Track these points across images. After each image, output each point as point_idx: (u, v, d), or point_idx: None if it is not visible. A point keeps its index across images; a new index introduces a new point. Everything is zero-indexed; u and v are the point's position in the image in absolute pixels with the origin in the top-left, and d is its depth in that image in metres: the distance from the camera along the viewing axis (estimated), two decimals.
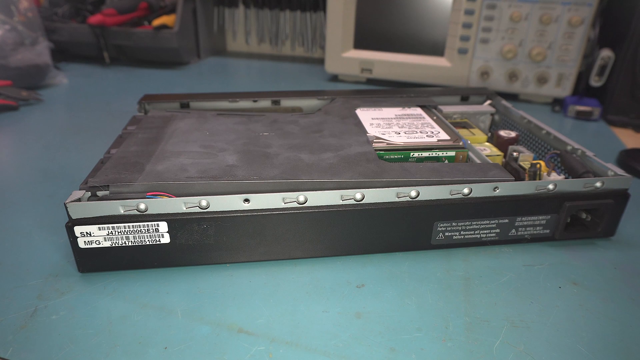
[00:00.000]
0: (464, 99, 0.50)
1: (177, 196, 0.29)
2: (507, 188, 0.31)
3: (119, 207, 0.28)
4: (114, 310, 0.27)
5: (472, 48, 0.67)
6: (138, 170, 0.31)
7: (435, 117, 0.42)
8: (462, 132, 0.41)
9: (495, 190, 0.31)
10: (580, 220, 0.35)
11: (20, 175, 0.43)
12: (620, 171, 0.33)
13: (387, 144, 0.36)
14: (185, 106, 0.46)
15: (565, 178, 0.35)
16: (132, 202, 0.28)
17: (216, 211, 0.29)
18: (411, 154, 0.36)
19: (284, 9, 0.91)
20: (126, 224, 0.28)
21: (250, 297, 0.28)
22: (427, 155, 0.36)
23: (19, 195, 0.39)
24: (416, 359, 0.24)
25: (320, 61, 0.89)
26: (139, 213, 0.28)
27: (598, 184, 0.32)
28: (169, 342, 0.25)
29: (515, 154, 0.37)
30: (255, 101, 0.46)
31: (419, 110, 0.44)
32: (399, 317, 0.27)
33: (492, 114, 0.48)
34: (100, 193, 0.30)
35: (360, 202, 0.30)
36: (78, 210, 0.28)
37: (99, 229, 0.28)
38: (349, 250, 0.32)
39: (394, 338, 0.26)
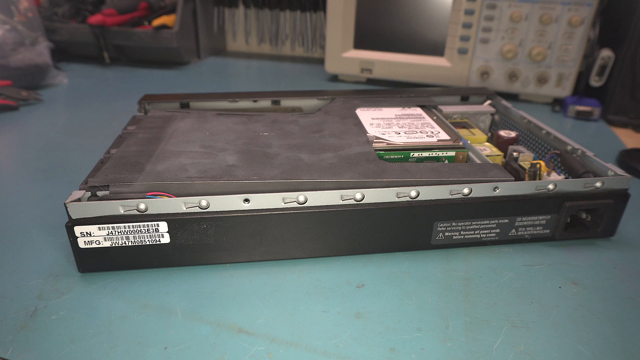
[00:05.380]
0: (464, 99, 0.50)
1: (177, 196, 0.29)
2: (507, 188, 0.31)
3: (119, 207, 0.28)
4: (114, 310, 0.27)
5: (472, 48, 0.67)
6: (138, 170, 0.31)
7: (435, 117, 0.42)
8: (462, 132, 0.41)
9: (495, 190, 0.31)
10: (580, 220, 0.35)
11: (20, 175, 0.43)
12: (620, 171, 0.33)
13: (387, 144, 0.36)
14: (185, 106, 0.46)
15: (565, 178, 0.35)
16: (132, 202, 0.28)
17: (216, 211, 0.29)
18: (411, 154, 0.36)
19: (284, 9, 0.91)
20: (126, 224, 0.28)
21: (250, 297, 0.28)
22: (427, 155, 0.36)
23: (19, 195, 0.39)
24: (416, 359, 0.24)
25: (320, 61, 0.90)
26: (139, 213, 0.28)
27: (598, 184, 0.32)
28: (169, 342, 0.25)
29: (515, 154, 0.37)
30: (255, 101, 0.46)
31: (419, 110, 0.44)
32: (398, 317, 0.27)
33: (492, 114, 0.48)
34: (100, 193, 0.30)
35: (360, 202, 0.30)
36: (78, 210, 0.28)
37: (99, 229, 0.28)
38: (349, 250, 0.32)
39: (394, 338, 0.26)
